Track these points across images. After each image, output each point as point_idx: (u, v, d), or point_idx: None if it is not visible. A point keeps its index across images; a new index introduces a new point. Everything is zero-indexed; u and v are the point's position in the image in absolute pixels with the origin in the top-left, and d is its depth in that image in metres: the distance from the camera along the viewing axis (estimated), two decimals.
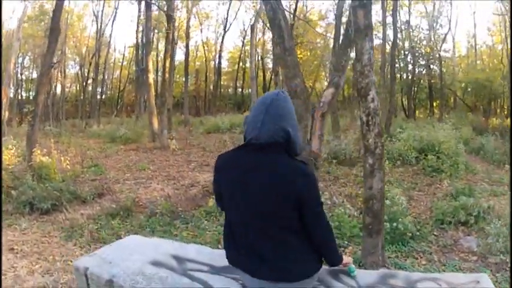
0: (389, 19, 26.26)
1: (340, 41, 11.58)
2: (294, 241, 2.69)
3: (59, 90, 37.67)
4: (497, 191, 10.45)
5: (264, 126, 2.59)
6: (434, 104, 35.25)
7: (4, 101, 16.34)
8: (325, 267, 3.13)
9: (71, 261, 6.25)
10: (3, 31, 25.11)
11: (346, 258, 3.07)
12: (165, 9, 21.43)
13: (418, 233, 7.60)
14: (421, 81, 34.08)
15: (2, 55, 16.81)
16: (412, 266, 6.42)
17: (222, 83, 48.23)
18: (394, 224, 7.20)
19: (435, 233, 7.90)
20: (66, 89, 41.82)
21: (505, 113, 35.80)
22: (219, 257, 3.24)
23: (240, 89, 50.15)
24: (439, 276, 3.17)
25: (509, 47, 18.37)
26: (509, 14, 19.62)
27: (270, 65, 43.52)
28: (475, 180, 11.70)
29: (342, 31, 17.79)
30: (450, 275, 3.24)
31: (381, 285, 2.97)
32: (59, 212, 8.71)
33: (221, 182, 2.77)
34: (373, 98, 5.95)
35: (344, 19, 20.34)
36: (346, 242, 7.26)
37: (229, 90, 52.12)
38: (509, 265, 6.36)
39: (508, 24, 29.92)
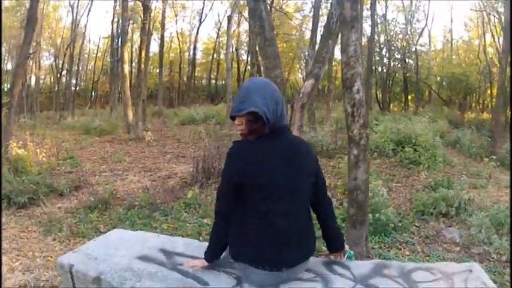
0: (366, 13, 26.28)
1: (321, 32, 11.53)
2: (308, 218, 2.87)
3: (33, 81, 37.16)
4: (477, 184, 10.54)
5: (277, 112, 2.64)
6: (409, 98, 35.49)
7: None
8: (318, 259, 3.09)
9: (51, 257, 6.17)
10: None
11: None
12: None
13: (400, 224, 7.65)
14: (396, 74, 34.27)
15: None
16: (396, 256, 6.44)
17: (195, 74, 47.94)
18: (377, 215, 7.23)
19: (416, 224, 7.94)
20: (41, 81, 41.21)
21: (481, 107, 36.34)
22: None
23: (213, 81, 49.88)
24: (433, 265, 3.16)
25: (508, 46, 18.51)
26: (508, 13, 19.83)
27: (245, 57, 43.52)
28: (453, 173, 11.77)
29: (320, 23, 17.88)
30: (443, 265, 3.22)
31: (376, 275, 2.93)
32: (36, 205, 8.55)
33: (258, 173, 2.61)
34: (358, 89, 5.94)
35: (322, 11, 20.45)
36: None
37: (203, 81, 51.86)
38: (492, 256, 6.43)
39: (486, 20, 30.26)
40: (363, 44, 25.96)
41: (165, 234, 7.06)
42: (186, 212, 8.55)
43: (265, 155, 2.62)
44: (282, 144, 2.67)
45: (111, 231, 3.80)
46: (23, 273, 5.55)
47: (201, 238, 7.02)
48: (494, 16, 25.69)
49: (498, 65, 25.03)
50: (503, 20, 21.93)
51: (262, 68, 8.86)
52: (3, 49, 36.99)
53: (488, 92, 33.27)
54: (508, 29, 18.55)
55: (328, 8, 11.53)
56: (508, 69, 19.96)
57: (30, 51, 13.81)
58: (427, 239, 7.30)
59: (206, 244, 3.01)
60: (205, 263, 2.92)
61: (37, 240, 6.98)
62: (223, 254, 2.92)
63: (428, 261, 6.25)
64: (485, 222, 7.09)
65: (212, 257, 2.91)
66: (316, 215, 2.97)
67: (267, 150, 2.63)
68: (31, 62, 29.25)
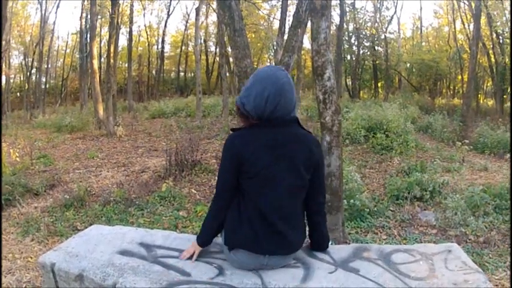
0: (334, 1, 26.40)
1: (289, 22, 11.53)
2: (301, 212, 2.88)
3: (3, 81, 36.56)
4: (450, 167, 10.70)
5: (264, 105, 2.61)
6: (379, 85, 35.73)
7: None
8: None
9: (31, 258, 6.11)
10: None
11: None
12: None
13: (375, 209, 7.74)
14: (366, 62, 34.48)
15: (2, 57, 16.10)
16: (373, 240, 6.52)
17: (164, 67, 47.65)
18: (352, 201, 7.30)
19: (391, 209, 8.04)
20: (11, 80, 40.53)
21: (451, 93, 36.76)
22: (187, 241, 3.17)
23: (182, 73, 49.64)
24: (412, 247, 3.20)
25: (478, 32, 18.91)
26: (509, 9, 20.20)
27: (213, 48, 43.36)
28: (426, 157, 11.94)
29: (288, 12, 17.90)
30: (422, 246, 3.27)
31: (356, 258, 2.97)
32: (13, 206, 8.40)
33: (254, 162, 2.66)
34: (329, 77, 5.95)
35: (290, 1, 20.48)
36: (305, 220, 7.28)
37: (172, 74, 51.59)
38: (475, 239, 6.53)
39: (456, 7, 30.54)
40: (332, 32, 26.11)
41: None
42: (161, 205, 8.56)
43: (255, 144, 2.64)
44: (276, 135, 2.66)
45: (90, 227, 3.77)
46: (5, 276, 5.46)
47: (177, 231, 7.02)
48: (464, 3, 25.96)
49: (469, 51, 25.38)
50: (473, 6, 22.15)
51: (232, 59, 8.85)
52: None
53: (459, 77, 33.65)
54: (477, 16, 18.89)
55: None
56: (479, 55, 20.27)
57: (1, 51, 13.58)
58: (403, 223, 7.40)
59: (184, 235, 3.04)
60: (198, 248, 2.94)
61: (16, 241, 6.88)
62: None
63: (405, 244, 6.32)
64: (461, 205, 7.20)
65: (203, 242, 2.94)
66: (306, 213, 2.94)
67: (257, 140, 2.65)
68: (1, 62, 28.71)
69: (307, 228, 2.97)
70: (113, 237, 3.39)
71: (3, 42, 19.23)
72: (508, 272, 5.45)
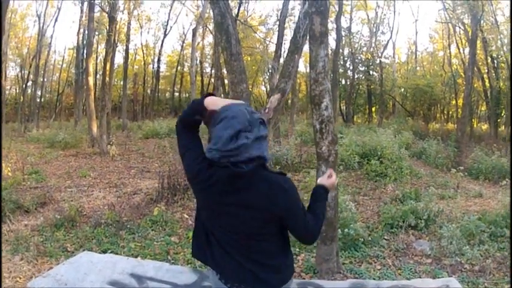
0: (330, 25, 26.48)
1: (286, 45, 11.53)
2: (274, 249, 2.66)
3: None
4: (445, 194, 10.68)
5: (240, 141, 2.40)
6: (373, 110, 35.84)
7: None
8: (294, 280, 3.03)
9: (20, 278, 6.01)
10: None
11: None
12: (108, 10, 20.98)
13: (369, 238, 7.67)
14: (360, 86, 34.62)
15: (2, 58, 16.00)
16: (367, 271, 6.45)
17: (159, 87, 47.60)
18: (346, 230, 7.23)
19: (386, 237, 7.98)
20: (6, 91, 40.45)
21: (445, 117, 36.91)
22: (179, 274, 3.11)
23: (177, 93, 49.61)
24: (409, 283, 3.16)
25: (474, 57, 19.11)
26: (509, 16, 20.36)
27: (208, 70, 43.40)
28: (420, 184, 11.91)
29: (285, 36, 17.93)
30: (420, 281, 3.23)
31: None
32: (3, 222, 8.29)
33: (196, 190, 2.61)
34: (326, 106, 5.94)
35: (287, 24, 20.53)
36: (298, 250, 7.22)
37: (167, 94, 51.56)
38: (464, 266, 6.47)
39: (451, 32, 30.74)
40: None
41: (133, 254, 6.97)
42: (152, 229, 8.44)
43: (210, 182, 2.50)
44: (231, 176, 2.43)
45: (80, 254, 3.70)
46: None
47: (169, 257, 6.94)
48: (460, 27, 26.12)
49: (463, 76, 25.53)
50: (469, 31, 22.34)
51: (228, 83, 8.83)
52: None
53: (453, 102, 33.76)
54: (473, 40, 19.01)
55: (294, 21, 11.54)
56: (475, 80, 20.43)
57: None
58: (397, 252, 7.34)
59: (176, 267, 2.98)
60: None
61: (5, 259, 6.76)
62: None
63: (400, 275, 6.28)
64: (456, 234, 7.16)
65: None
66: None
67: (212, 179, 2.48)
68: None
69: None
70: (103, 266, 3.32)
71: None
72: None
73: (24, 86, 37.15)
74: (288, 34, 22.45)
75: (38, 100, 38.19)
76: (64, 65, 44.77)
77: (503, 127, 28.15)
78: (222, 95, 23.81)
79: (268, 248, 2.62)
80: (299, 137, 17.66)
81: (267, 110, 8.53)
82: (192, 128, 2.65)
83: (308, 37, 6.29)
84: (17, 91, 41.51)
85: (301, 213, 2.61)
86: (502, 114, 28.27)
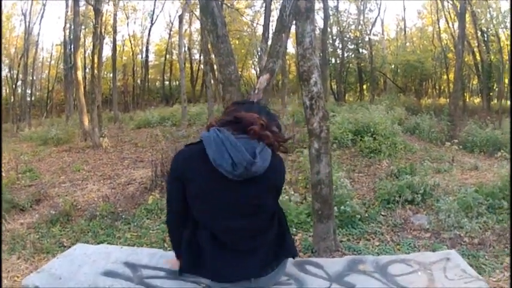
0: (318, 5, 26.35)
1: (273, 26, 11.44)
2: (272, 233, 2.60)
3: None
4: (440, 168, 10.65)
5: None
6: (364, 87, 35.78)
7: None
8: (290, 259, 2.96)
9: (18, 277, 5.97)
10: None
11: None
12: (93, 3, 20.78)
13: (366, 215, 7.66)
14: (350, 65, 34.51)
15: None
16: (366, 248, 6.41)
17: (149, 76, 47.37)
18: (342, 208, 7.19)
19: (383, 213, 7.95)
20: None
21: (437, 92, 36.93)
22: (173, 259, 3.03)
23: (167, 82, 49.42)
24: (409, 256, 3.08)
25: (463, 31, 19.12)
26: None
27: (197, 56, 43.21)
28: (415, 159, 11.89)
29: (272, 17, 17.83)
30: (419, 254, 3.16)
31: (351, 272, 2.84)
32: None
33: (197, 183, 2.43)
34: (315, 82, 5.86)
35: (273, 5, 20.42)
36: (294, 230, 7.18)
37: (157, 83, 51.35)
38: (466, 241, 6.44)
39: (440, 6, 30.66)
40: (316, 36, 26.12)
41: (129, 244, 6.92)
42: (148, 218, 8.43)
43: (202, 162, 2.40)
44: None
45: (73, 247, 3.61)
46: None
47: (165, 244, 6.89)
48: (448, 2, 26.07)
49: (453, 50, 25.48)
50: (457, 5, 22.26)
51: (216, 66, 8.75)
52: None
53: (444, 77, 33.75)
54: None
55: (280, 2, 11.44)
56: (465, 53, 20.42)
57: None
58: (395, 228, 7.31)
59: (170, 253, 2.89)
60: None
61: (2, 260, 6.74)
62: None
63: (399, 250, 6.25)
64: (454, 207, 7.13)
65: (178, 255, 2.72)
66: None
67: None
68: None
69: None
70: (97, 257, 3.25)
71: None
72: (506, 274, 5.36)
73: (14, 85, 36.98)
74: (275, 15, 22.34)
75: (29, 99, 38.09)
76: (52, 62, 44.46)
77: (495, 100, 28.21)
78: (212, 81, 23.71)
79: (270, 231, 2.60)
80: (291, 117, 17.58)
81: (256, 91, 8.46)
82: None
83: (293, 14, 6.21)
84: (7, 91, 41.31)
85: None
86: (494, 87, 28.32)
